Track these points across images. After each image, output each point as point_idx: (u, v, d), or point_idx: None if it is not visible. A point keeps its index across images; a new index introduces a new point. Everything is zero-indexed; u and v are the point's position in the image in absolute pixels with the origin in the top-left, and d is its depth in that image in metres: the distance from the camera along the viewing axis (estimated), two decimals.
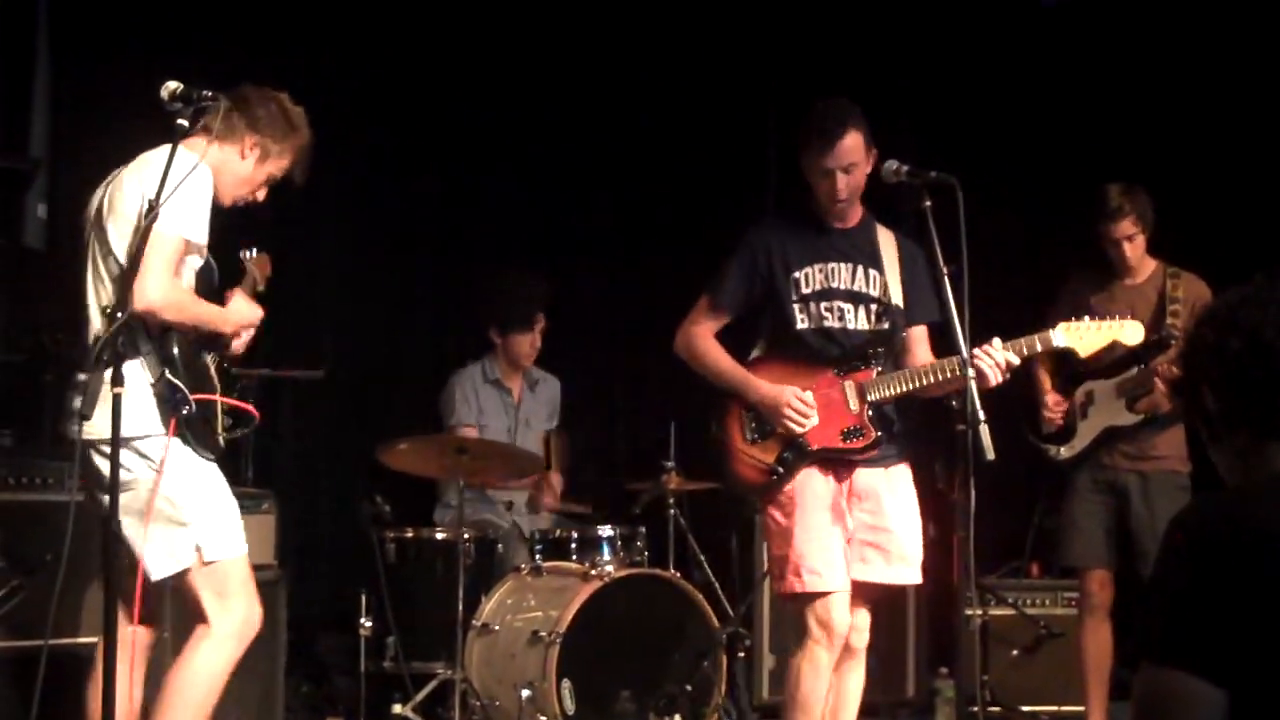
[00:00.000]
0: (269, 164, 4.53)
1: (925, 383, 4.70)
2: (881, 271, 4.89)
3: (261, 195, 4.59)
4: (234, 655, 4.26)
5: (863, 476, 4.85)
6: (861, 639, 4.89)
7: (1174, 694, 2.17)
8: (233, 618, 4.25)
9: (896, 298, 4.89)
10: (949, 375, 4.60)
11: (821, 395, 4.80)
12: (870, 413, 4.80)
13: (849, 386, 4.82)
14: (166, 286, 4.15)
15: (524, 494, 7.18)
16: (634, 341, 7.96)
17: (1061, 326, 4.83)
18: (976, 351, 4.55)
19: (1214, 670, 2.14)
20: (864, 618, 4.89)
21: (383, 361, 7.78)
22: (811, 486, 4.81)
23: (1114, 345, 4.98)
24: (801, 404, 4.77)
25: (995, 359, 4.58)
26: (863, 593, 4.85)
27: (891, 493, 4.87)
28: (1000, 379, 4.59)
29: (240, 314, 4.48)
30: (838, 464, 4.83)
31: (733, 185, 7.87)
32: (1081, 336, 4.85)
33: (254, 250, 4.62)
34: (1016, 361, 4.66)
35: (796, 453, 4.80)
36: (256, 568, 5.35)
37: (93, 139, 6.43)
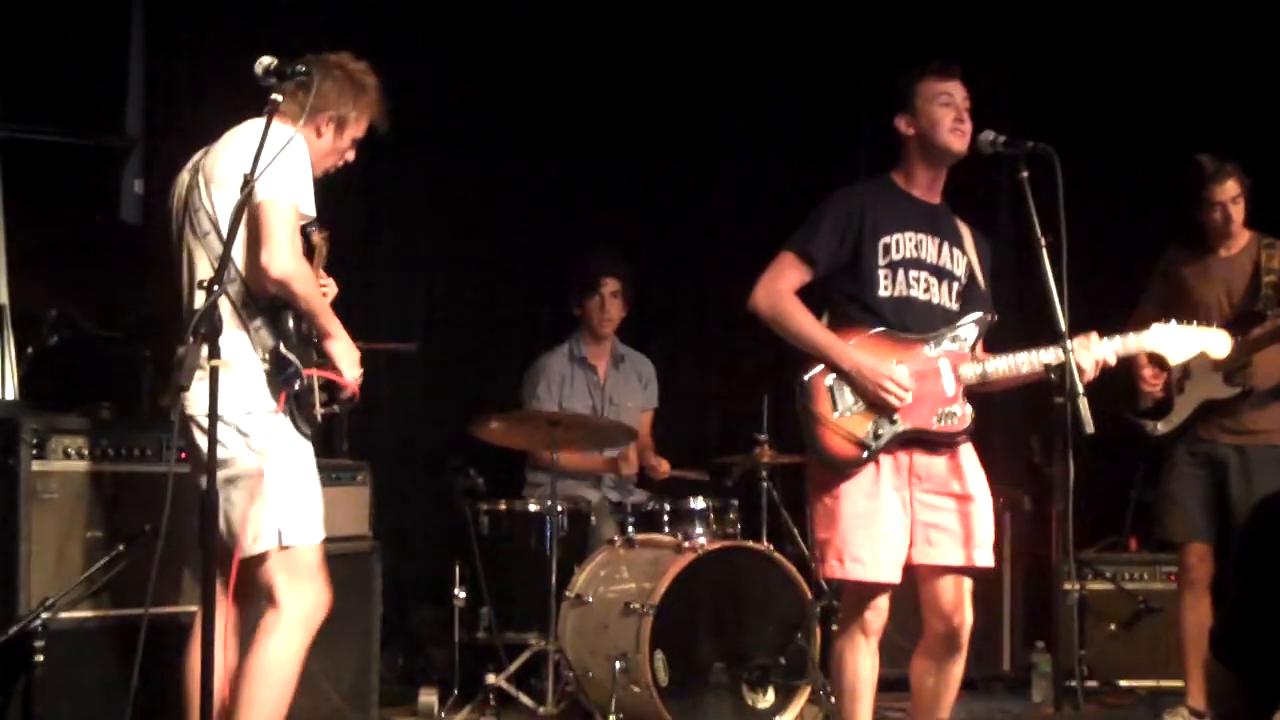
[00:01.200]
0: (349, 131, 4.48)
1: (1021, 372, 4.60)
2: (965, 253, 4.79)
3: (350, 156, 4.55)
4: (304, 640, 4.21)
5: (925, 457, 4.67)
6: (964, 623, 4.69)
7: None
8: (302, 603, 4.21)
9: (980, 282, 4.80)
10: (1043, 367, 4.50)
11: (914, 371, 4.63)
12: (963, 395, 4.66)
13: (945, 366, 4.67)
14: (299, 256, 4.14)
15: (612, 474, 7.19)
16: (726, 315, 7.89)
17: (1157, 328, 4.75)
18: (1073, 345, 4.44)
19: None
20: (965, 609, 4.67)
21: (476, 335, 7.80)
22: (868, 471, 4.63)
23: (1202, 355, 4.88)
24: (904, 378, 4.60)
25: (1095, 356, 4.52)
26: (945, 577, 4.67)
27: (959, 473, 4.68)
28: (1093, 375, 4.49)
29: (349, 346, 4.40)
30: (908, 445, 4.65)
31: (823, 157, 7.82)
32: (1174, 342, 4.78)
33: (316, 225, 4.54)
34: (1113, 361, 4.58)
35: (888, 430, 4.60)
36: (351, 539, 5.46)
37: (187, 115, 6.55)
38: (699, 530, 6.39)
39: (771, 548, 6.22)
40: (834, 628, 5.97)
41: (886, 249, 4.68)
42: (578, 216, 7.97)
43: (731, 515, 6.52)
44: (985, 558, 4.66)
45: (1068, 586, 5.54)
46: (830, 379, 4.63)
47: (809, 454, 4.72)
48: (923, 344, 4.68)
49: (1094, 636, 7.03)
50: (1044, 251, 4.36)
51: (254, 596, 4.29)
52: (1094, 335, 4.57)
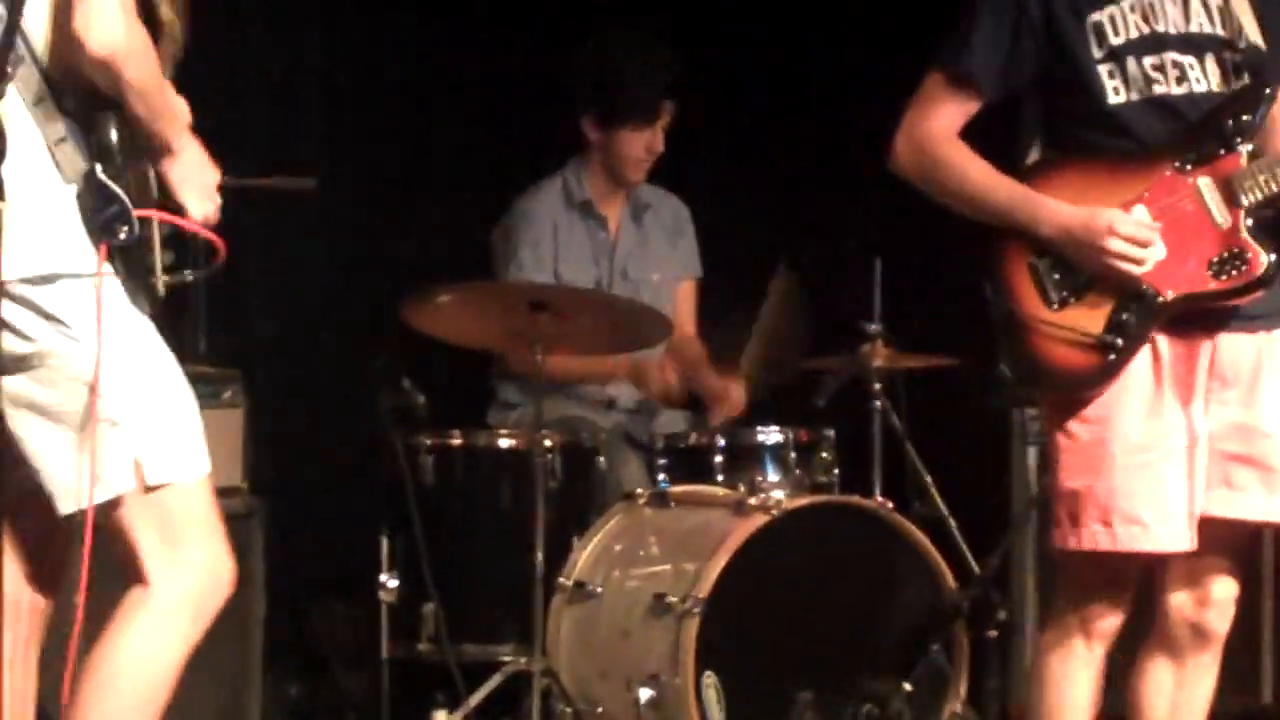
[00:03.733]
0: None
1: None
2: None
3: None
4: (189, 633, 4.15)
5: (1228, 345, 4.59)
6: (1223, 619, 4.72)
7: None
8: (187, 576, 4.11)
9: (1254, 34, 4.68)
10: None
11: (1161, 208, 4.56)
12: (1250, 224, 4.53)
13: (1206, 186, 4.55)
14: (129, 22, 4.05)
15: (634, 391, 7.20)
16: (803, 137, 8.15)
17: None
18: None
19: None
20: (1227, 585, 4.69)
21: (409, 167, 7.87)
22: (1139, 372, 4.58)
23: None
24: (1134, 227, 4.53)
25: None
26: (1224, 540, 4.63)
27: (1274, 372, 4.63)
28: None
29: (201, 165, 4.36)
30: (1193, 326, 4.57)
31: None
32: None
33: None
34: None
35: (1140, 310, 4.53)
36: (219, 492, 5.42)
37: None
38: (773, 478, 6.39)
39: (890, 505, 6.24)
40: (991, 633, 6.06)
41: (1099, 32, 4.63)
42: None
43: (825, 454, 6.52)
44: None
45: None
46: (1031, 257, 4.62)
47: (1025, 376, 4.76)
48: (1166, 161, 4.61)
49: None
50: None
51: (61, 583, 4.27)
52: None
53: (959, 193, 4.68)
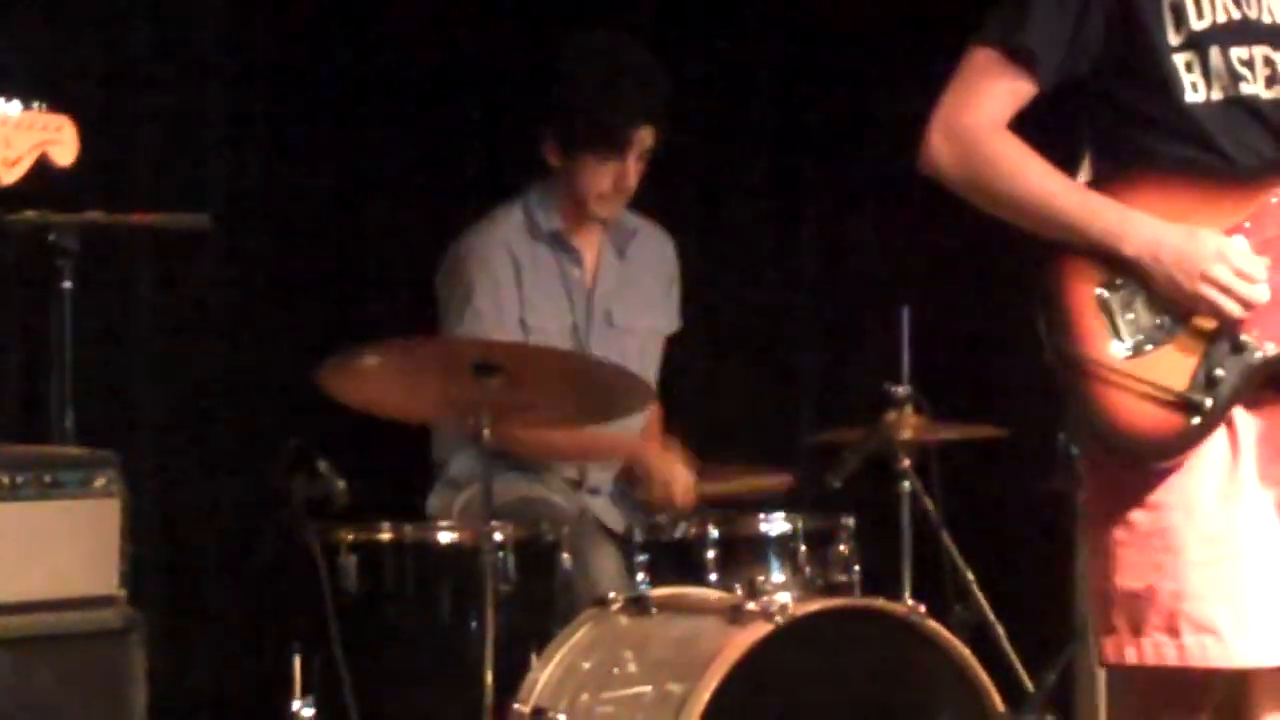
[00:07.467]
0: None
1: None
2: None
3: None
4: None
5: None
6: None
7: None
8: None
9: None
10: None
11: (1265, 242, 4.57)
12: None
13: None
14: None
15: (607, 469, 7.23)
16: (809, 154, 8.38)
17: None
18: None
19: None
20: None
21: (329, 200, 7.96)
22: (1213, 448, 4.58)
23: None
24: (1246, 258, 4.52)
25: None
26: None
27: None
28: None
29: None
30: (1278, 394, 4.62)
31: None
32: None
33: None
34: None
35: (1235, 364, 4.53)
36: (84, 604, 5.61)
37: None
38: (778, 577, 6.43)
39: (923, 609, 6.16)
40: None
41: (1179, 12, 4.66)
42: None
43: (842, 547, 6.56)
44: None
45: None
46: (1099, 286, 4.59)
47: (1081, 438, 4.82)
48: (1272, 186, 4.61)
49: None
50: None
51: None
52: None
53: (1013, 198, 4.66)
